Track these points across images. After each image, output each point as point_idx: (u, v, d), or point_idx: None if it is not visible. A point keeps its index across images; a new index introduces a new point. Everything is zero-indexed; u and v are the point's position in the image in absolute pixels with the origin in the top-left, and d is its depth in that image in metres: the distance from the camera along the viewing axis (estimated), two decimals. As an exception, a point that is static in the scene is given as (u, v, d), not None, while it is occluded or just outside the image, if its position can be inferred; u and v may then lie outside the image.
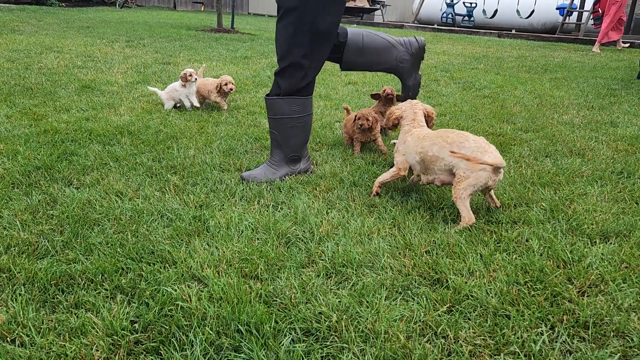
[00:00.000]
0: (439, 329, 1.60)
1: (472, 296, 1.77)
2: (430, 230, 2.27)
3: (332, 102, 4.89)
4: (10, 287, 1.76)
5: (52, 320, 1.60)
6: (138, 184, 2.69)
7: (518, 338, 1.57)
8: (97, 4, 18.70)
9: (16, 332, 1.53)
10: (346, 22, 18.83)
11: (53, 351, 1.46)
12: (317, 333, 1.59)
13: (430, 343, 1.55)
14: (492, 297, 1.76)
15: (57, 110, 4.12)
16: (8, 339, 1.51)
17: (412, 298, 1.78)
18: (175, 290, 1.75)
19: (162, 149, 3.27)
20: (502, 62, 8.33)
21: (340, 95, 5.21)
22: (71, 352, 1.46)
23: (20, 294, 1.71)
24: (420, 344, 1.53)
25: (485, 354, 1.51)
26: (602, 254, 2.06)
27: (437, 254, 2.06)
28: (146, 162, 3.00)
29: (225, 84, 4.26)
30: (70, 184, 2.67)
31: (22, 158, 2.96)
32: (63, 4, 17.39)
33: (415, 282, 1.87)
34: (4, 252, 1.97)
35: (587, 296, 1.79)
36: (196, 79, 4.28)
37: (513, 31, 15.65)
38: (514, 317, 1.66)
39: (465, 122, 4.20)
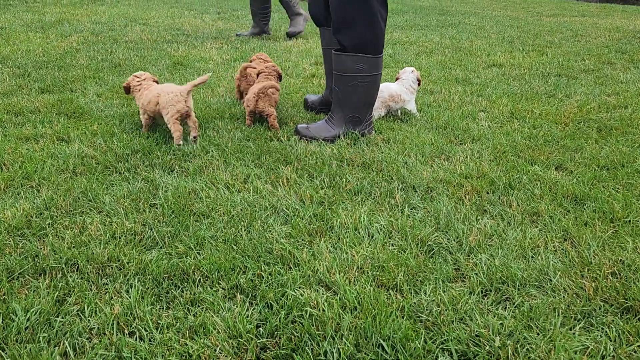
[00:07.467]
0: (637, 368, 1.58)
1: (679, 332, 1.72)
2: (615, 248, 2.21)
3: (473, 87, 4.87)
4: (122, 277, 1.98)
5: (169, 316, 1.78)
6: (245, 174, 2.88)
7: None
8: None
9: (134, 325, 1.73)
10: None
11: (175, 349, 1.63)
12: (476, 358, 1.63)
13: (625, 383, 1.54)
14: None
15: (150, 90, 4.50)
16: (126, 331, 1.71)
17: (597, 328, 1.76)
18: (302, 295, 1.87)
19: (270, 136, 3.46)
20: (701, 40, 7.79)
21: (483, 80, 5.18)
22: (194, 351, 1.62)
23: (133, 285, 1.92)
24: (611, 383, 1.52)
25: (702, 403, 1.47)
26: None
27: (626, 277, 2.01)
28: (254, 150, 3.19)
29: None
30: (172, 171, 2.92)
31: (119, 141, 3.28)
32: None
33: (600, 309, 1.84)
34: (110, 240, 2.22)
35: None
36: None
37: None
38: None
39: (654, 116, 4.00)
